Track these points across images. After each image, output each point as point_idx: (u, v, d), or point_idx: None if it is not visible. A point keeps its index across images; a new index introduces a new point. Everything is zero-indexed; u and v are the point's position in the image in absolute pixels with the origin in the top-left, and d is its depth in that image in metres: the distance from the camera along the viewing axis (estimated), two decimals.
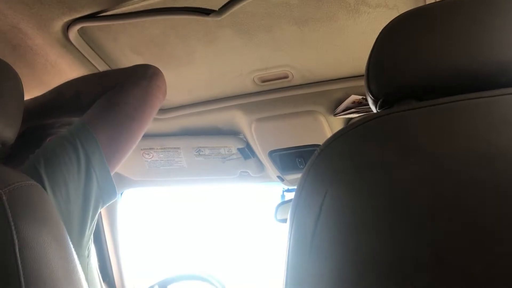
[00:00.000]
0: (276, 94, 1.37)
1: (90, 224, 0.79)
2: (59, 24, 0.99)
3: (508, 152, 0.45)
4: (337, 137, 0.54)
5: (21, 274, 0.54)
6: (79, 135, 0.78)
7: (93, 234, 0.83)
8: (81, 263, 0.68)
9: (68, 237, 0.66)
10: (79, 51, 1.10)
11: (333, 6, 0.97)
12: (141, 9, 0.96)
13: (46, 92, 0.95)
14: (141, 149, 1.69)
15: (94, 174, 0.78)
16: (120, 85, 0.88)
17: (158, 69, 0.95)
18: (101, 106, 0.85)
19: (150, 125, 1.52)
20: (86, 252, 0.79)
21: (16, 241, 0.55)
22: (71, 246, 0.65)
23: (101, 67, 1.18)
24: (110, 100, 0.86)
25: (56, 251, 0.59)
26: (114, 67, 1.21)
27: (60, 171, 0.74)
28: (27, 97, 0.82)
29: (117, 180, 1.84)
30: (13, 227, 0.56)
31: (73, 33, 1.02)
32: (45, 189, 0.70)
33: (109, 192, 0.81)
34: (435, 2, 0.64)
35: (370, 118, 0.53)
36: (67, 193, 0.74)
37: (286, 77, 1.29)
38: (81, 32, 1.05)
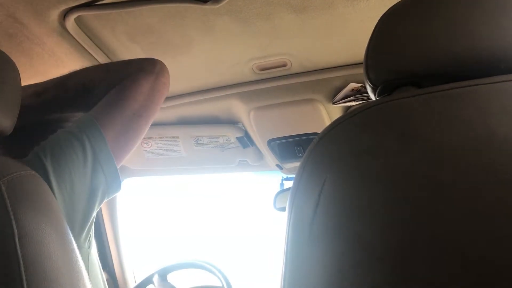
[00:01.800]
0: (275, 83, 1.36)
1: (92, 216, 0.79)
2: (55, 13, 0.98)
3: (507, 139, 0.45)
4: (336, 125, 0.54)
5: (21, 263, 0.54)
6: (86, 131, 0.78)
7: (93, 224, 0.83)
8: (82, 254, 0.68)
9: (68, 227, 0.66)
10: (76, 40, 1.10)
11: None
12: None
13: (49, 85, 0.93)
14: None
15: (101, 171, 0.78)
16: (129, 81, 0.87)
17: (164, 64, 0.95)
18: (109, 102, 0.85)
19: None
20: (87, 244, 0.80)
21: (15, 230, 0.55)
22: (71, 235, 0.65)
23: (99, 56, 1.18)
24: (118, 96, 0.85)
25: (56, 241, 0.59)
26: (111, 56, 1.21)
27: (66, 166, 0.73)
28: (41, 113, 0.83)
29: None
30: (12, 217, 0.56)
31: (70, 22, 1.01)
32: (49, 181, 0.70)
33: (115, 186, 0.81)
34: None
35: (369, 106, 0.53)
36: (72, 186, 0.74)
37: (284, 65, 1.28)
38: (78, 21, 1.05)
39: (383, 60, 0.61)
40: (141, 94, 0.87)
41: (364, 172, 0.49)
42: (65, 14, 0.99)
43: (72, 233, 0.67)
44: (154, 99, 0.89)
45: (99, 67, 0.99)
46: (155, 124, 1.64)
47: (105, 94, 0.87)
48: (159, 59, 1.13)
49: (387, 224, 0.46)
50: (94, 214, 0.80)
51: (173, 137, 1.67)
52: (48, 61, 1.16)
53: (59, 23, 1.02)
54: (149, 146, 1.71)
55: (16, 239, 0.55)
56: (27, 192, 0.60)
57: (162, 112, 1.55)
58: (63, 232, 0.64)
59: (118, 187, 0.82)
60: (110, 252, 2.03)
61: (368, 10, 1.01)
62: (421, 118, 0.50)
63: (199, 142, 1.67)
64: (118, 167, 0.81)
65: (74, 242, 0.66)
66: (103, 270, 2.01)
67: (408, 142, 0.48)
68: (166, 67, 0.95)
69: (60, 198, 0.72)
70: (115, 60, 1.23)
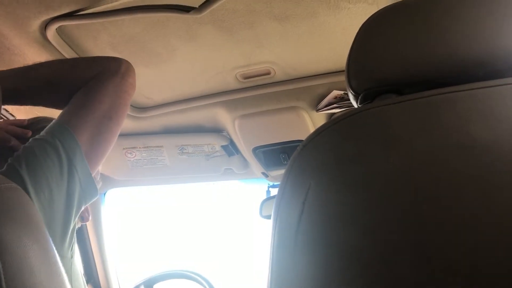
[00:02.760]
0: (259, 91, 1.37)
1: (72, 224, 0.78)
2: (36, 23, 0.97)
3: (486, 144, 0.46)
4: (319, 132, 0.54)
5: (2, 278, 0.53)
6: (59, 136, 0.77)
7: (77, 235, 0.82)
8: (64, 264, 0.67)
9: (50, 239, 0.65)
10: (58, 50, 1.09)
11: (313, 2, 0.97)
12: (120, 7, 0.95)
13: (7, 74, 0.88)
14: (124, 148, 1.67)
15: (77, 174, 0.77)
16: (94, 82, 0.86)
17: (130, 64, 0.93)
18: (78, 105, 0.84)
19: (132, 123, 1.52)
20: (70, 253, 0.79)
21: None
22: (53, 248, 0.64)
23: None
24: (85, 98, 0.84)
25: (38, 254, 0.58)
26: None
27: (42, 173, 0.72)
28: (4, 101, 0.81)
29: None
30: None
31: (51, 32, 1.01)
32: (27, 190, 0.69)
33: (91, 191, 0.81)
34: None
35: (352, 113, 0.53)
36: (50, 193, 0.73)
37: (268, 73, 1.29)
38: (60, 31, 1.04)
39: (364, 68, 0.62)
40: (108, 96, 0.86)
41: (347, 179, 0.50)
42: (47, 24, 0.98)
43: (54, 242, 0.65)
44: (122, 100, 0.89)
45: (64, 62, 0.96)
46: (139, 134, 1.63)
47: (69, 92, 0.86)
48: (142, 68, 1.13)
49: (371, 230, 0.47)
50: (74, 221, 0.79)
51: (158, 146, 1.66)
52: None
53: (41, 33, 1.01)
54: (133, 156, 1.70)
55: None
56: (7, 205, 0.59)
57: (146, 121, 1.54)
58: (45, 244, 0.62)
59: (94, 192, 0.81)
60: (95, 263, 2.00)
61: (349, 19, 1.03)
62: (402, 125, 0.50)
63: (183, 151, 1.66)
64: (93, 172, 0.81)
65: (57, 254, 0.65)
66: (88, 282, 1.99)
67: (389, 149, 0.49)
68: (132, 66, 0.94)
69: (40, 206, 0.71)
70: None
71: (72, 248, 0.80)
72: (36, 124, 0.94)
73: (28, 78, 0.89)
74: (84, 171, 0.78)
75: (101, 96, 0.85)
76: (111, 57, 0.94)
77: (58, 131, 0.78)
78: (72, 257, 0.80)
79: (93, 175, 0.81)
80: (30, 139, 0.78)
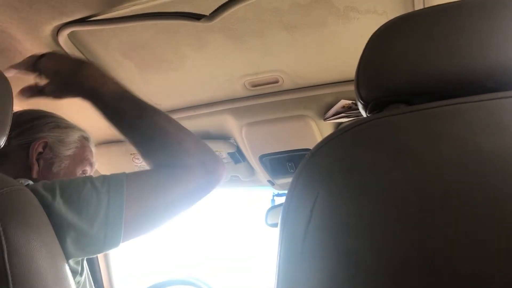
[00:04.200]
0: (267, 99, 1.37)
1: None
2: (48, 28, 0.99)
3: (495, 156, 0.46)
4: (327, 141, 0.54)
5: (10, 280, 0.54)
6: (111, 192, 0.76)
7: None
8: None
9: (58, 243, 0.65)
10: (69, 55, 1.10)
11: (322, 12, 0.98)
12: (132, 13, 0.96)
13: (128, 97, 0.88)
14: (131, 154, 1.68)
15: (104, 233, 0.74)
16: (182, 174, 0.84)
17: (224, 170, 0.90)
18: (150, 182, 0.82)
19: None
20: (79, 268, 0.78)
21: (5, 247, 0.55)
22: (62, 251, 0.65)
23: None
24: (162, 182, 0.82)
25: (46, 257, 0.58)
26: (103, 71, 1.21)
27: (78, 196, 0.73)
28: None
29: None
30: (1, 232, 0.55)
31: (63, 37, 1.02)
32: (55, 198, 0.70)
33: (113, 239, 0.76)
34: (424, 8, 0.65)
35: (360, 123, 0.54)
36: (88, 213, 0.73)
37: (276, 81, 1.29)
38: (71, 36, 1.05)
39: (374, 77, 0.62)
40: (183, 195, 0.84)
41: (355, 188, 0.50)
42: (59, 29, 1.00)
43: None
44: (192, 200, 0.86)
45: (180, 129, 0.92)
46: None
47: (157, 154, 0.86)
48: (152, 75, 1.13)
49: (379, 240, 0.47)
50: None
51: None
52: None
53: (53, 38, 1.03)
54: (140, 161, 1.70)
55: (5, 255, 0.54)
56: (17, 207, 0.60)
57: None
58: (53, 248, 0.63)
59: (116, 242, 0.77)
60: (100, 270, 2.00)
61: (359, 28, 1.03)
62: (411, 135, 0.50)
63: None
64: (121, 240, 0.76)
65: (64, 257, 0.65)
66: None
67: (398, 159, 0.49)
68: (225, 172, 0.90)
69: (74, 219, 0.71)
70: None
71: (81, 263, 0.79)
72: (20, 117, 0.94)
73: (141, 115, 0.87)
74: (113, 237, 0.75)
75: (177, 190, 0.83)
76: (214, 155, 0.90)
77: (115, 189, 0.76)
78: (81, 273, 0.79)
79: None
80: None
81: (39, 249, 0.58)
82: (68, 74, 0.89)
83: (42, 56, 0.90)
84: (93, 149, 1.07)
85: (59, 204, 0.70)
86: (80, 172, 0.99)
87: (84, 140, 1.03)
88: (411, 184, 0.47)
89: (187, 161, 0.85)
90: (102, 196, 0.74)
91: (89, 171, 1.03)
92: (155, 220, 0.82)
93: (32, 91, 0.92)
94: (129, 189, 0.77)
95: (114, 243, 0.74)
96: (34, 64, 0.89)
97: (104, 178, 0.77)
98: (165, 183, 0.82)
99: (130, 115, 0.86)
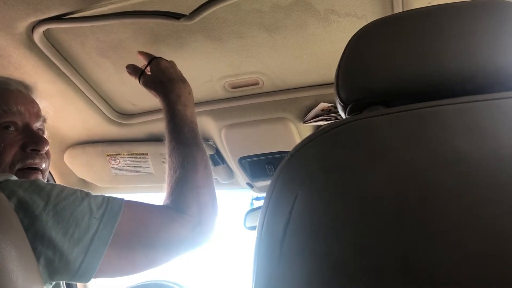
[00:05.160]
0: (247, 101, 1.37)
1: None
2: (23, 25, 0.96)
3: (471, 158, 0.46)
4: (306, 142, 0.54)
5: None
6: (104, 219, 0.73)
7: None
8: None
9: (30, 247, 0.63)
10: (44, 53, 1.07)
11: (303, 14, 0.98)
12: (110, 12, 0.95)
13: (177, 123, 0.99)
14: (107, 155, 1.65)
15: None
16: (175, 219, 0.82)
17: (215, 227, 0.90)
18: (146, 222, 0.80)
19: (117, 130, 1.50)
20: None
21: None
22: (32, 251, 0.63)
23: (67, 69, 1.15)
24: (155, 225, 0.80)
25: (16, 259, 0.56)
26: (80, 70, 1.19)
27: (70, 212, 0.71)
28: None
29: (82, 187, 1.80)
30: None
31: (38, 34, 0.99)
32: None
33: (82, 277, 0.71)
34: (403, 11, 0.66)
35: (339, 124, 0.54)
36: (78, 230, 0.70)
37: (256, 83, 1.29)
38: (47, 33, 1.03)
39: (353, 79, 0.62)
40: (169, 242, 0.81)
41: (334, 189, 0.49)
42: (34, 26, 0.97)
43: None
44: (177, 251, 0.84)
45: (208, 178, 0.96)
46: (124, 140, 1.61)
47: (169, 182, 0.90)
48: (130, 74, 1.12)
49: (356, 242, 0.46)
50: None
51: (142, 154, 1.64)
52: (15, 74, 1.12)
53: (27, 35, 1.00)
54: (117, 163, 1.68)
55: None
56: None
57: (130, 128, 1.52)
58: (24, 252, 0.61)
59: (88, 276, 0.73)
60: None
61: (338, 32, 1.04)
62: (389, 137, 0.51)
63: None
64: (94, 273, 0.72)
65: (35, 260, 0.63)
66: None
67: (376, 160, 0.49)
68: (215, 229, 0.90)
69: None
70: (83, 74, 1.21)
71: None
72: None
73: (188, 146, 0.95)
74: (90, 265, 0.71)
75: (166, 235, 0.80)
76: (214, 211, 0.91)
77: (109, 216, 0.74)
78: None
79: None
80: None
81: (9, 251, 0.56)
82: (168, 79, 1.02)
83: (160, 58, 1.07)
84: (27, 93, 0.96)
85: (47, 216, 0.67)
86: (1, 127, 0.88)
87: None
88: (389, 186, 0.47)
89: (190, 204, 0.86)
90: (93, 222, 0.71)
91: (19, 121, 0.90)
92: (132, 264, 0.79)
93: (134, 71, 1.09)
94: (121, 223, 0.74)
95: (86, 275, 0.70)
96: (151, 57, 1.06)
97: (103, 201, 0.75)
98: (157, 229, 0.80)
99: (181, 138, 0.96)
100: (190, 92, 1.04)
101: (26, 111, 0.91)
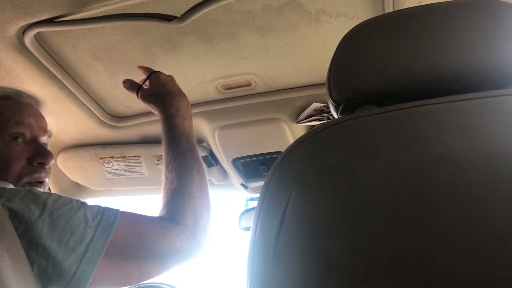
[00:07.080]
0: (240, 102, 1.37)
1: None
2: (14, 28, 0.95)
3: (463, 155, 0.46)
4: (299, 142, 0.54)
5: None
6: (98, 230, 0.73)
7: None
8: None
9: (23, 251, 0.63)
10: (35, 56, 1.07)
11: (294, 15, 0.98)
12: (101, 14, 0.94)
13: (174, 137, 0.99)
14: (101, 158, 1.65)
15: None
16: (171, 232, 0.82)
17: (210, 238, 0.90)
18: (142, 236, 0.79)
19: (110, 132, 1.50)
20: None
21: None
22: (26, 258, 0.62)
23: (58, 73, 1.15)
24: (151, 237, 0.80)
25: (9, 263, 0.56)
26: (72, 73, 1.18)
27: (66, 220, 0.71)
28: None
29: (76, 190, 1.79)
30: None
31: (29, 38, 0.99)
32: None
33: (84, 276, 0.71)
34: (394, 11, 0.66)
35: (332, 124, 0.54)
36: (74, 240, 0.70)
37: (249, 84, 1.29)
38: (38, 37, 1.02)
39: (345, 79, 0.62)
40: (165, 254, 0.81)
41: (327, 188, 0.50)
42: (24, 30, 0.97)
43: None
44: (172, 262, 0.84)
45: (203, 190, 0.96)
46: (117, 143, 1.61)
47: (165, 192, 0.91)
48: (122, 76, 1.11)
49: (350, 242, 0.47)
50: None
51: (136, 156, 1.63)
52: (5, 78, 1.12)
53: (18, 39, 0.99)
54: (110, 165, 1.67)
55: None
56: None
57: (124, 130, 1.52)
58: (17, 256, 0.60)
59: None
60: None
61: (330, 32, 1.04)
62: (382, 136, 0.51)
63: (162, 162, 1.64)
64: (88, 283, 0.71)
65: (29, 264, 0.63)
66: None
67: (368, 159, 0.49)
68: (210, 243, 0.90)
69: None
70: (75, 77, 1.20)
71: None
72: None
73: (185, 159, 0.96)
74: (85, 274, 0.71)
75: (163, 247, 0.80)
76: (209, 222, 0.91)
77: (104, 229, 0.74)
78: None
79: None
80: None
81: (2, 255, 0.56)
82: (167, 93, 1.02)
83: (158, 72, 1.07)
84: (28, 105, 0.98)
85: (43, 224, 0.67)
86: (8, 138, 0.89)
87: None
88: (382, 185, 0.48)
89: (186, 215, 0.86)
90: (88, 231, 0.72)
91: (28, 133, 0.93)
92: (126, 275, 0.78)
93: (131, 86, 1.08)
94: (116, 233, 0.75)
95: (80, 284, 0.70)
96: (151, 71, 1.06)
97: (98, 211, 0.75)
98: (152, 240, 0.80)
99: (179, 150, 0.96)
100: (188, 106, 1.05)
101: (35, 124, 0.95)
